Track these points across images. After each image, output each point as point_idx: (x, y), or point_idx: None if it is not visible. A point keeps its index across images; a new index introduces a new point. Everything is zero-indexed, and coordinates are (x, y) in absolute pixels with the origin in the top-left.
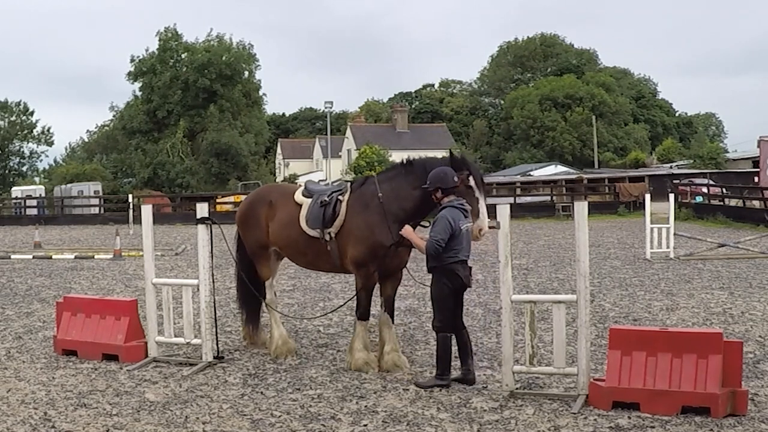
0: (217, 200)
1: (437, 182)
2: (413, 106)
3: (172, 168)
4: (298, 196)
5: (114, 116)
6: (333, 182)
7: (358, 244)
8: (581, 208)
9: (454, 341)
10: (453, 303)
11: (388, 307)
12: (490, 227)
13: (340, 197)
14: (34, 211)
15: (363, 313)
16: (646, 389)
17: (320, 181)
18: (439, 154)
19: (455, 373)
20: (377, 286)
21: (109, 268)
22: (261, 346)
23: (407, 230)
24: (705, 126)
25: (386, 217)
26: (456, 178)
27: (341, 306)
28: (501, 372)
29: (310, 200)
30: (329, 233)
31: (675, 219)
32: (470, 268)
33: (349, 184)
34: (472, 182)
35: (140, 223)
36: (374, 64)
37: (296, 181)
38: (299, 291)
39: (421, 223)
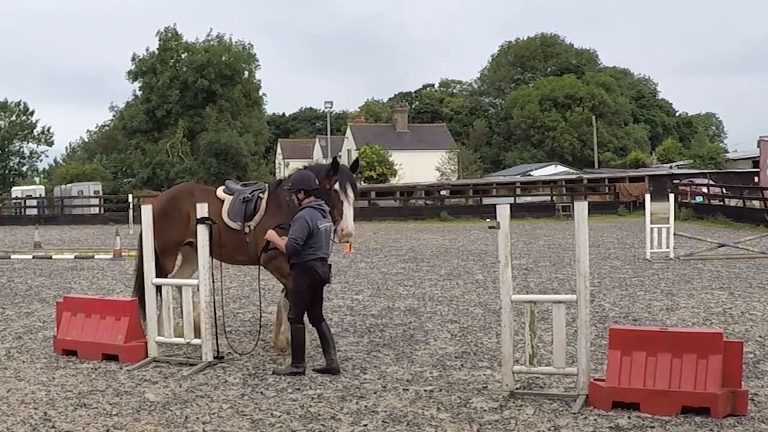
0: None
1: (300, 184)
2: (413, 106)
3: (171, 168)
4: (220, 193)
5: (114, 116)
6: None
7: (264, 242)
8: (581, 208)
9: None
10: (310, 297)
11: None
12: (490, 227)
13: (261, 195)
14: (34, 211)
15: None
16: (646, 389)
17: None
18: (439, 154)
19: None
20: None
21: (109, 268)
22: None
23: (271, 234)
24: (705, 126)
25: (290, 218)
26: (317, 181)
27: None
28: (501, 372)
29: (231, 197)
30: (249, 226)
31: (675, 219)
32: (329, 265)
33: (267, 185)
34: (336, 186)
35: (140, 223)
36: (374, 64)
37: None
38: None
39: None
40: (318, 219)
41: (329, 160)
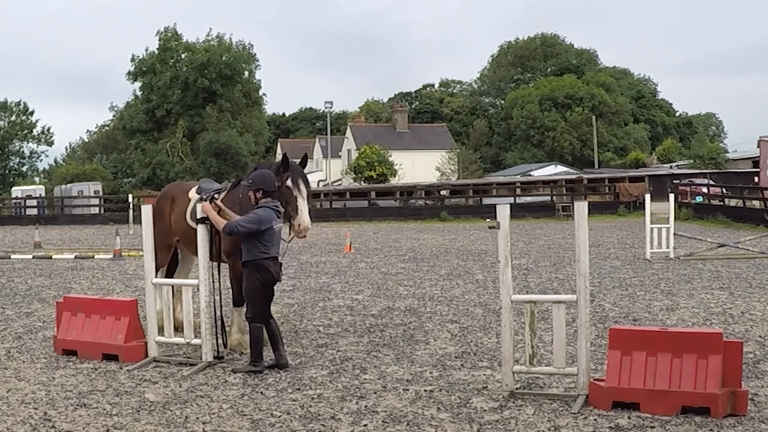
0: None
1: (260, 184)
2: (413, 106)
3: (171, 168)
4: (192, 193)
5: (114, 116)
6: (331, 182)
7: (225, 237)
8: (581, 208)
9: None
10: (264, 296)
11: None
12: (489, 227)
13: (216, 195)
14: (34, 211)
15: (237, 300)
16: (646, 389)
17: (319, 182)
18: (439, 154)
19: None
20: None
21: (109, 268)
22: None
23: (205, 206)
24: (705, 126)
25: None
26: (277, 182)
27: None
28: (501, 372)
29: (198, 197)
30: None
31: (675, 219)
32: (280, 264)
33: (229, 184)
34: (289, 182)
35: (140, 223)
36: (374, 64)
37: None
38: (299, 291)
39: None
40: (273, 219)
41: (330, 160)
